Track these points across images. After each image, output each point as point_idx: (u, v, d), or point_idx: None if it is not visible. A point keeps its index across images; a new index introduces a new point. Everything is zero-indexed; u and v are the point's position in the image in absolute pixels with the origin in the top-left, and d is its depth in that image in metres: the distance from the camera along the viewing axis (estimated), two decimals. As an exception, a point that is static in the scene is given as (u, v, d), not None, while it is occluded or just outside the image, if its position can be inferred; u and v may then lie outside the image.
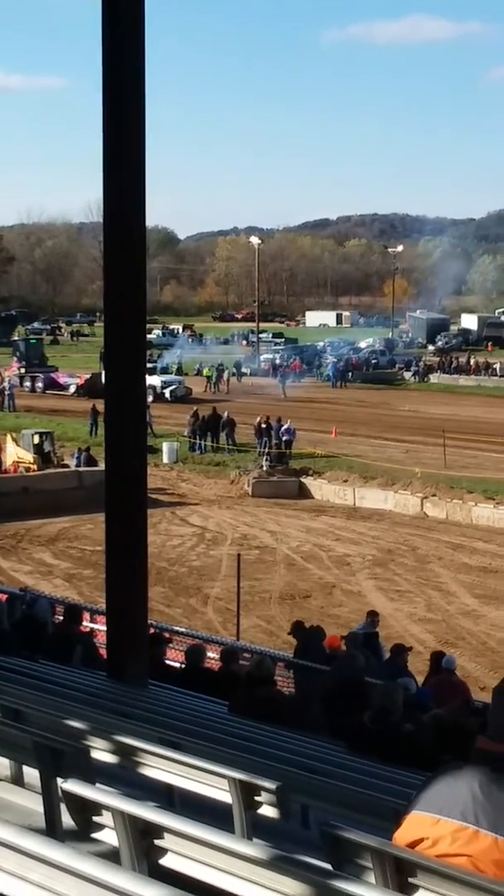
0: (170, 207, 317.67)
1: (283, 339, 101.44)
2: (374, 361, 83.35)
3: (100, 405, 33.43)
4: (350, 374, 78.05)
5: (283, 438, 45.47)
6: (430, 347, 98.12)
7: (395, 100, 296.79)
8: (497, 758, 3.32)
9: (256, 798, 5.32)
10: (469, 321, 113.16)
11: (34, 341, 79.22)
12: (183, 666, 13.05)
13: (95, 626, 16.72)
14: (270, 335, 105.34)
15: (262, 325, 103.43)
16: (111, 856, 4.20)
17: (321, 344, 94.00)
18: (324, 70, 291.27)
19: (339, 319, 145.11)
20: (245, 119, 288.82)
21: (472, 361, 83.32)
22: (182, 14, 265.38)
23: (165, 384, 64.20)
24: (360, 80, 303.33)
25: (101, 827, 4.50)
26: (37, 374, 70.24)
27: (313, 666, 14.88)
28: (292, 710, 10.65)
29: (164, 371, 69.01)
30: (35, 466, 39.12)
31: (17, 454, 39.66)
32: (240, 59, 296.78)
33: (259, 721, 8.98)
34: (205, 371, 73.81)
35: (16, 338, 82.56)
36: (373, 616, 19.32)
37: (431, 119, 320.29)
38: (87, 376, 64.88)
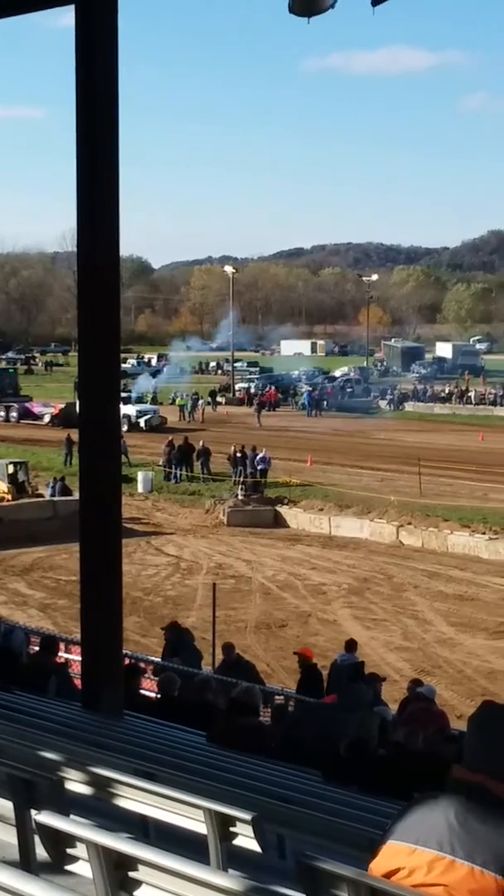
0: (144, 237, 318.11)
1: (257, 368, 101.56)
2: (348, 390, 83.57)
3: (74, 435, 33.19)
4: (325, 402, 78.12)
5: (259, 467, 45.48)
6: (412, 375, 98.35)
7: (370, 129, 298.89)
8: (472, 787, 3.30)
9: (232, 829, 5.28)
10: (444, 349, 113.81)
11: (9, 371, 79.16)
12: (157, 696, 12.98)
13: (70, 657, 16.64)
14: (245, 364, 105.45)
15: (237, 353, 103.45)
16: (86, 888, 4.15)
17: (296, 373, 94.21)
18: (301, 99, 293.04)
19: (313, 348, 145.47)
20: (220, 147, 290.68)
21: (467, 387, 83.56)
22: (159, 39, 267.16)
23: (140, 413, 64.15)
24: (337, 108, 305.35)
25: (75, 859, 4.46)
26: (11, 404, 70.35)
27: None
28: (275, 740, 10.54)
29: (139, 400, 68.98)
30: (9, 496, 39.01)
31: (-8, 484, 39.59)
32: (216, 86, 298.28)
33: (239, 751, 8.89)
34: (177, 400, 73.83)
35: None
36: (352, 644, 19.26)
37: (406, 148, 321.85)
38: (62, 406, 64.98)
